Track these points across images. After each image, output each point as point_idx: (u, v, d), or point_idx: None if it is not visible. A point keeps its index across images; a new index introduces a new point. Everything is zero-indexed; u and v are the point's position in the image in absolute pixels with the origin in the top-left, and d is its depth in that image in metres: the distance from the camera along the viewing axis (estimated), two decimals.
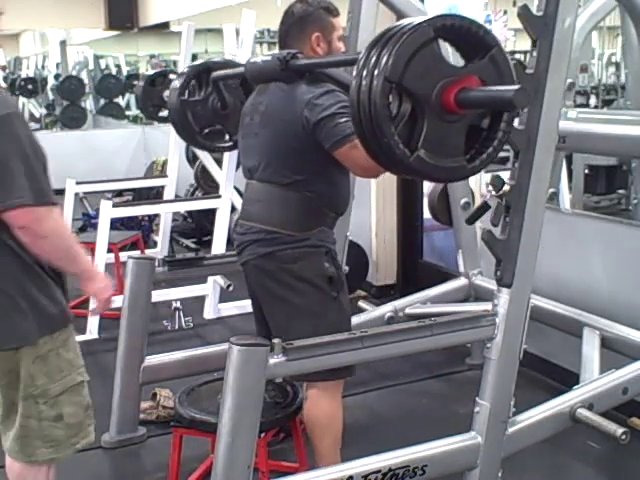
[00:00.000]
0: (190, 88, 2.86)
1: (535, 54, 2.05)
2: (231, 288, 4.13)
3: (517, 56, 7.58)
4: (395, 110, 1.56)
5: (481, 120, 1.70)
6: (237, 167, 4.63)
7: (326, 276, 2.36)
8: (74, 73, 11.33)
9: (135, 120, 10.19)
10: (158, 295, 4.00)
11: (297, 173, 2.33)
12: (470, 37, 1.61)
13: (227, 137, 2.99)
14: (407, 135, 1.58)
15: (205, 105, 2.84)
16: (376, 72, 1.52)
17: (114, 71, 12.39)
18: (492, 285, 2.34)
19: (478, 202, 3.43)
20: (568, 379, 2.86)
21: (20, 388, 2.01)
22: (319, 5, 2.44)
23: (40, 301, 1.96)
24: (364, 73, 1.55)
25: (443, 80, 1.57)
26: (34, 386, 2.01)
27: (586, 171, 4.85)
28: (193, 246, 5.90)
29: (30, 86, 10.13)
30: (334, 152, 2.24)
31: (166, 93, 5.24)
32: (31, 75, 10.90)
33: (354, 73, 1.60)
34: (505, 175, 2.12)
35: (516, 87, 1.49)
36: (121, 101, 11.50)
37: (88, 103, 11.60)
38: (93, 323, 4.06)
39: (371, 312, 3.42)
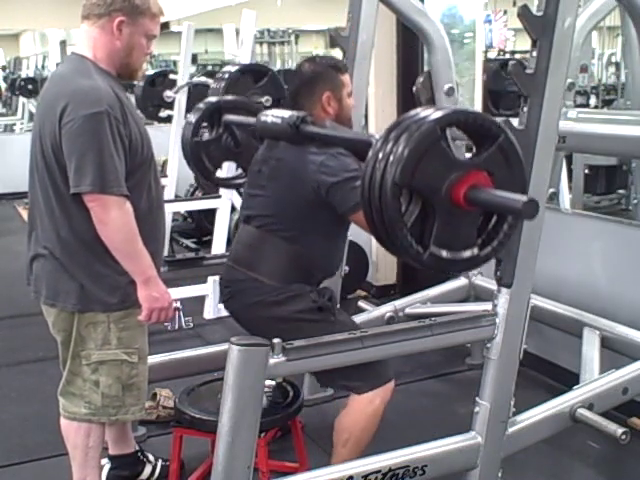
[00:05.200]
0: (203, 127, 2.87)
1: (535, 54, 2.05)
2: None
3: (517, 56, 7.57)
4: (405, 205, 1.56)
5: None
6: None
7: (314, 308, 2.37)
8: None
9: None
10: None
11: (296, 229, 2.37)
12: (477, 129, 1.60)
13: (241, 171, 3.00)
14: (419, 231, 1.58)
15: (218, 144, 2.85)
16: (385, 177, 1.52)
17: None
18: (492, 285, 2.34)
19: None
20: (568, 379, 2.86)
21: (71, 347, 2.26)
22: (327, 64, 2.48)
23: (104, 282, 2.19)
24: (374, 176, 1.55)
25: (451, 176, 1.56)
26: (81, 347, 2.25)
27: (586, 171, 4.85)
28: (193, 246, 5.90)
29: (30, 86, 10.09)
30: (348, 216, 2.31)
31: (166, 93, 5.30)
32: (31, 75, 10.86)
33: (363, 176, 1.59)
34: None
35: (525, 198, 1.48)
36: None
37: None
38: None
39: (371, 312, 3.42)
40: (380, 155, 1.53)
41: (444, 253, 1.60)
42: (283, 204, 2.39)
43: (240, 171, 3.00)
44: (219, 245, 4.62)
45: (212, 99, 2.89)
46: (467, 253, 1.63)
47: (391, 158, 1.51)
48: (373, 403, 2.36)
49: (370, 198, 1.55)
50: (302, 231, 2.37)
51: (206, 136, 2.83)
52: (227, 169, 3.41)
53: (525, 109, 2.06)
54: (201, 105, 2.84)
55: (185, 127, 2.84)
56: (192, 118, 2.81)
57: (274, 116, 2.27)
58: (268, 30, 9.42)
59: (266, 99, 3.41)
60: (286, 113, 2.24)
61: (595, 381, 2.57)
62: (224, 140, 2.85)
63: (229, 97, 3.09)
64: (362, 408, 2.36)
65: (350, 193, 2.25)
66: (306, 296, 2.38)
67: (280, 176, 2.40)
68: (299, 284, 2.39)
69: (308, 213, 2.36)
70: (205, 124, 2.85)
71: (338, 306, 2.58)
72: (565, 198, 3.76)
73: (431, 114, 1.55)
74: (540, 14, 2.03)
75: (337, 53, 3.18)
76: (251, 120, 2.59)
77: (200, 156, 2.83)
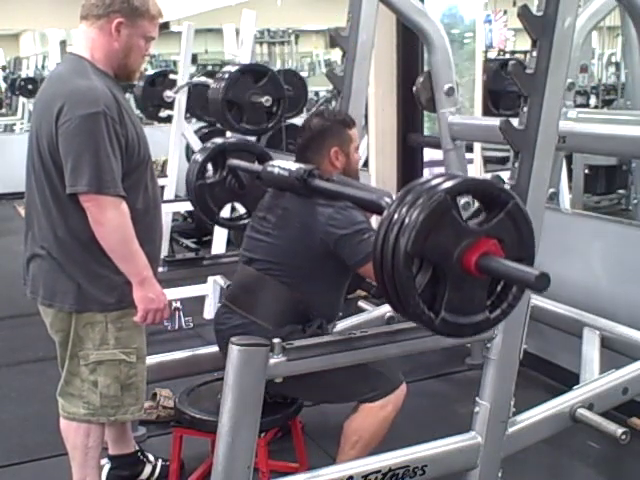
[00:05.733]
0: (207, 169, 2.88)
1: (535, 54, 2.05)
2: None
3: (517, 56, 7.56)
4: (416, 271, 1.58)
5: None
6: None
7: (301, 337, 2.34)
8: None
9: None
10: None
11: (299, 276, 2.38)
12: (486, 196, 1.62)
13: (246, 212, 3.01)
14: (430, 297, 1.60)
15: (223, 186, 2.86)
16: (397, 246, 1.53)
17: None
18: None
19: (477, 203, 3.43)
20: (568, 379, 2.87)
21: (69, 347, 2.26)
22: (335, 119, 2.51)
23: (101, 282, 2.19)
24: (386, 245, 1.56)
25: (462, 244, 1.57)
26: (79, 347, 2.25)
27: (586, 171, 4.84)
28: (193, 246, 5.90)
29: (30, 86, 10.08)
30: (357, 269, 2.34)
31: (166, 93, 5.30)
32: (31, 75, 10.85)
33: (375, 242, 1.60)
34: (505, 175, 2.11)
35: (537, 272, 1.49)
36: None
37: None
38: None
39: (371, 312, 3.42)
40: (392, 224, 1.55)
41: (456, 318, 1.62)
42: (289, 253, 2.40)
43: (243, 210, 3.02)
44: (219, 245, 4.62)
45: (217, 141, 2.91)
46: (478, 317, 1.65)
47: (403, 228, 1.53)
48: (385, 409, 2.36)
49: (382, 266, 1.57)
50: (304, 279, 2.38)
51: (210, 177, 2.85)
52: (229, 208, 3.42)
53: (525, 109, 2.06)
54: (207, 145, 2.86)
55: (190, 167, 2.85)
56: (199, 157, 2.84)
57: (281, 168, 2.29)
58: (268, 30, 9.40)
59: (266, 99, 3.40)
60: (293, 166, 2.25)
61: (595, 381, 2.57)
62: (228, 182, 2.86)
63: (233, 139, 3.12)
64: (374, 413, 2.35)
65: (359, 246, 2.28)
66: (296, 332, 2.34)
67: (287, 226, 2.41)
68: (292, 325, 2.37)
69: (313, 264, 2.38)
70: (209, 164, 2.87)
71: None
72: (565, 198, 3.76)
73: (442, 183, 1.56)
74: (540, 14, 2.03)
75: (337, 53, 3.18)
76: (255, 167, 2.61)
77: (204, 198, 2.85)
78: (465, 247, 1.57)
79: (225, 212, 3.21)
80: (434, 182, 1.57)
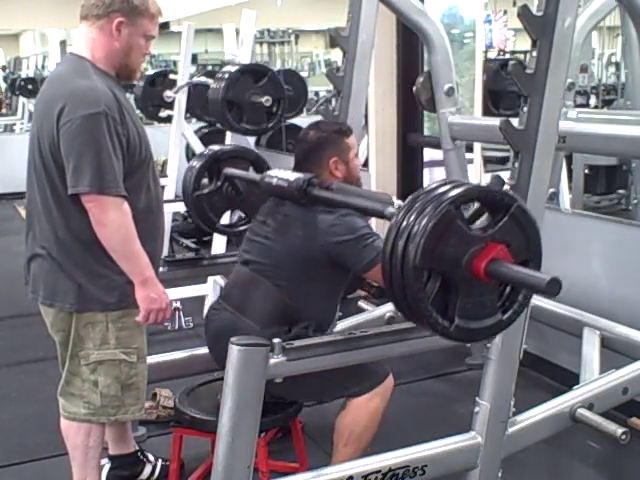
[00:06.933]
0: (203, 179, 2.89)
1: (535, 54, 2.05)
2: None
3: (517, 56, 7.56)
4: (426, 281, 1.58)
5: None
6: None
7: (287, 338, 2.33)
8: None
9: None
10: None
11: (292, 281, 2.38)
12: (490, 201, 1.62)
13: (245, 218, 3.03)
14: (442, 305, 1.60)
15: (220, 194, 2.86)
16: (406, 259, 1.54)
17: None
18: None
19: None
20: (568, 379, 2.87)
21: (69, 347, 2.26)
22: (332, 129, 2.52)
23: (101, 281, 2.19)
24: (394, 258, 1.56)
25: (470, 251, 1.58)
26: (80, 347, 2.25)
27: (586, 171, 4.84)
28: (193, 246, 5.90)
29: (30, 86, 10.08)
30: (363, 274, 2.35)
31: (166, 93, 5.29)
32: (31, 75, 10.85)
33: (383, 256, 1.60)
34: (505, 175, 2.11)
35: (548, 278, 1.50)
36: None
37: None
38: None
39: (371, 312, 3.42)
40: (398, 237, 1.55)
41: (470, 324, 1.62)
42: (286, 258, 2.40)
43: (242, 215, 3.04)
44: (219, 245, 4.62)
45: (211, 149, 2.92)
46: (491, 320, 1.66)
47: (410, 242, 1.54)
48: (373, 402, 2.37)
49: (392, 279, 1.57)
50: (298, 284, 2.39)
51: (206, 186, 2.85)
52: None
53: (525, 109, 2.06)
54: (201, 154, 2.88)
55: (185, 177, 2.86)
56: (193, 167, 2.85)
57: (279, 178, 2.29)
58: (268, 30, 9.40)
59: (266, 99, 3.40)
60: (292, 175, 2.26)
61: (595, 381, 2.57)
62: (225, 190, 2.86)
63: (226, 147, 3.13)
64: (362, 407, 2.37)
65: (363, 251, 2.29)
66: (282, 334, 2.30)
67: (287, 232, 2.42)
68: (278, 327, 2.36)
69: (310, 270, 2.38)
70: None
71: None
72: (565, 198, 3.76)
73: (445, 193, 1.57)
74: (540, 14, 2.03)
75: (337, 53, 3.18)
76: (252, 176, 2.61)
77: (203, 208, 2.85)
78: (473, 254, 1.58)
79: (225, 218, 3.21)
80: (438, 192, 1.58)
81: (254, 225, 2.59)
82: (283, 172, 2.31)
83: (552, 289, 1.49)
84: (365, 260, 2.30)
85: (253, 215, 2.67)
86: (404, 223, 1.56)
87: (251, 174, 2.73)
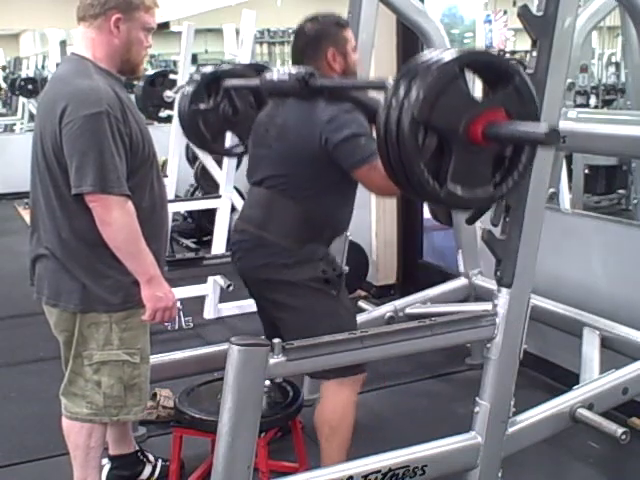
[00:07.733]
0: (200, 96, 2.85)
1: (535, 54, 2.05)
2: (231, 288, 4.13)
3: (517, 56, 7.57)
4: (421, 141, 1.57)
5: (505, 148, 1.72)
6: (237, 167, 4.63)
7: (321, 279, 2.37)
8: None
9: None
10: None
11: (306, 188, 2.36)
12: (493, 69, 1.63)
13: (239, 141, 2.98)
14: (435, 168, 1.59)
15: (216, 112, 2.82)
16: (404, 113, 1.52)
17: None
18: (492, 285, 2.34)
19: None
20: (568, 379, 2.86)
21: (73, 347, 2.26)
22: (329, 21, 2.48)
23: (106, 282, 2.19)
24: (391, 113, 1.55)
25: (469, 114, 1.58)
26: (83, 347, 2.25)
27: (586, 171, 4.85)
28: (193, 246, 5.91)
29: (30, 86, 10.08)
30: (353, 172, 2.28)
31: (166, 93, 5.30)
32: (31, 75, 10.84)
33: (380, 112, 1.59)
34: None
35: (546, 127, 1.49)
36: None
37: None
38: None
39: (371, 312, 3.42)
40: (399, 92, 1.54)
41: (460, 190, 1.61)
42: (292, 163, 2.37)
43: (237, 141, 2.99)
44: (219, 245, 4.62)
45: (209, 69, 2.85)
46: (482, 191, 1.65)
47: (410, 95, 1.51)
48: (342, 388, 2.40)
49: (387, 135, 1.55)
50: (311, 190, 2.36)
51: (203, 105, 2.79)
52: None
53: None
54: (197, 75, 2.83)
55: (182, 93, 2.82)
56: (193, 82, 2.78)
57: (280, 74, 2.27)
58: (268, 30, 9.40)
59: None
60: (293, 69, 2.23)
61: (595, 381, 2.57)
62: (222, 108, 2.83)
63: (227, 67, 3.03)
64: (333, 394, 2.41)
65: (357, 148, 2.24)
66: (316, 264, 2.37)
67: (288, 135, 2.38)
68: (310, 246, 2.37)
69: (317, 170, 2.34)
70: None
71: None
72: (565, 198, 3.75)
73: (449, 54, 1.57)
74: (540, 14, 2.03)
75: None
76: (253, 82, 2.56)
77: (197, 123, 2.79)
78: (472, 117, 1.57)
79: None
80: (441, 54, 1.58)
81: (255, 138, 2.53)
82: (282, 70, 2.29)
83: (551, 139, 1.48)
84: (357, 157, 2.24)
85: (246, 138, 2.64)
86: (405, 80, 1.54)
87: (251, 80, 2.68)
